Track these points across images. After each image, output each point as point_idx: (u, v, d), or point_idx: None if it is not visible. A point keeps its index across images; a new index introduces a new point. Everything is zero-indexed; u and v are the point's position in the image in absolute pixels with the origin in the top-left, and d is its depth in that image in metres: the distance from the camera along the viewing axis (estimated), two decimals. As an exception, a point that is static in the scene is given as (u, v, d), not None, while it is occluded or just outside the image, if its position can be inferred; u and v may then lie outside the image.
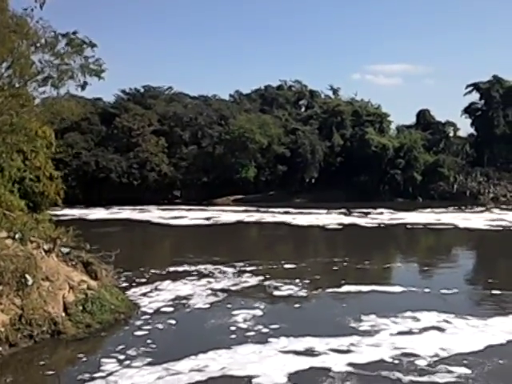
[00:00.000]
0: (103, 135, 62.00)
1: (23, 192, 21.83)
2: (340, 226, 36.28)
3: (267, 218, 42.47)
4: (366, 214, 44.11)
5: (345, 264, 22.72)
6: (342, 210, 45.88)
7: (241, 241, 34.54)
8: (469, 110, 69.21)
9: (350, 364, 11.36)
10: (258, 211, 47.00)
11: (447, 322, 14.07)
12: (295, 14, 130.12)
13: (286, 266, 22.15)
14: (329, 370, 11.12)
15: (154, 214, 46.52)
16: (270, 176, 62.30)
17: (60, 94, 17.12)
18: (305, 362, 11.48)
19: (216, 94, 74.16)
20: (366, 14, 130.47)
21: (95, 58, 16.86)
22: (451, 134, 70.74)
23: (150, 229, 37.98)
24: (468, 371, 11.05)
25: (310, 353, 11.98)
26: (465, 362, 11.50)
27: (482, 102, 68.32)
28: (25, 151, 21.27)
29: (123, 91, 69.49)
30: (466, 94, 69.43)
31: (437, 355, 11.88)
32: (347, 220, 39.71)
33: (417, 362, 11.51)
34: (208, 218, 42.02)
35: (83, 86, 17.07)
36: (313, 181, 63.27)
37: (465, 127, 72.00)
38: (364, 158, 60.79)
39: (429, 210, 47.74)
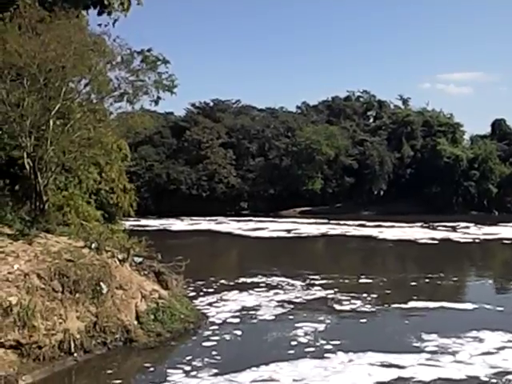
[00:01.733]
0: (174, 148, 63.77)
1: (99, 203, 22.75)
2: (434, 241, 34.90)
3: (352, 231, 41.60)
4: (454, 228, 42.57)
5: (426, 280, 21.93)
6: (421, 224, 44.46)
7: (320, 254, 34.29)
8: (549, 119, 65.82)
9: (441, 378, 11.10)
10: (328, 223, 46.47)
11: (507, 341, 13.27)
12: (362, 23, 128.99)
13: (362, 280, 21.72)
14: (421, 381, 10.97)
15: (232, 225, 47.11)
16: (336, 188, 61.71)
17: (135, 109, 17.79)
18: (392, 373, 11.30)
19: (283, 106, 74.80)
20: (434, 22, 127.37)
21: (168, 74, 17.42)
22: (529, 145, 67.45)
23: (231, 240, 38.53)
24: None
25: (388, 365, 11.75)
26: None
27: None
28: (101, 164, 22.19)
29: (193, 105, 71.33)
30: (545, 102, 66.19)
31: None
32: (439, 234, 38.24)
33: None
34: (288, 231, 41.85)
35: (156, 101, 17.67)
36: (381, 193, 62.10)
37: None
38: (436, 169, 59.02)
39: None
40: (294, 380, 10.94)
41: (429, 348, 12.87)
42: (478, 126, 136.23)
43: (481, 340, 13.45)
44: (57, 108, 15.79)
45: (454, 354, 12.49)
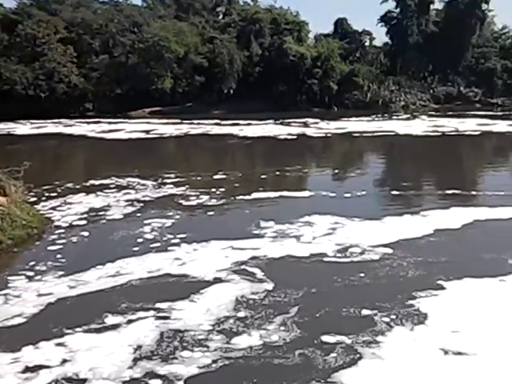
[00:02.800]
0: (5, 44, 57.25)
1: None
2: (292, 137, 36.29)
3: (212, 130, 41.49)
4: (305, 123, 44.75)
5: (277, 173, 23.00)
6: (272, 121, 45.98)
7: (179, 153, 33.89)
8: (385, 19, 69.81)
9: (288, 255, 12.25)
10: (182, 123, 45.98)
11: (339, 223, 14.65)
12: None
13: (216, 176, 22.13)
14: (272, 258, 12.04)
15: (84, 127, 44.07)
16: (187, 87, 60.83)
17: None
18: (245, 254, 12.15)
19: (127, -1, 69.82)
20: None
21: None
22: (367, 44, 71.59)
23: (84, 143, 36.22)
24: (393, 250, 12.43)
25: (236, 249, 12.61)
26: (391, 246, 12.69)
27: (398, 10, 68.96)
28: None
29: (24, -5, 63.74)
30: (382, 2, 69.83)
31: (357, 245, 12.84)
32: (295, 130, 39.79)
33: (351, 250, 12.47)
34: (147, 131, 40.43)
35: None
36: (231, 92, 62.57)
37: (380, 36, 73.15)
38: (282, 67, 60.50)
39: (354, 118, 48.98)
40: (149, 272, 11.20)
41: (268, 234, 13.85)
42: (323, 25, 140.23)
43: (311, 223, 14.70)
44: None
45: (295, 237, 13.57)
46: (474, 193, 19.62)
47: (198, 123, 45.98)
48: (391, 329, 8.74)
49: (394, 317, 9.15)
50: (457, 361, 7.77)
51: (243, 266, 11.56)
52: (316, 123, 45.30)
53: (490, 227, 14.72)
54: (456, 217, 15.44)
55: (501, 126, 41.78)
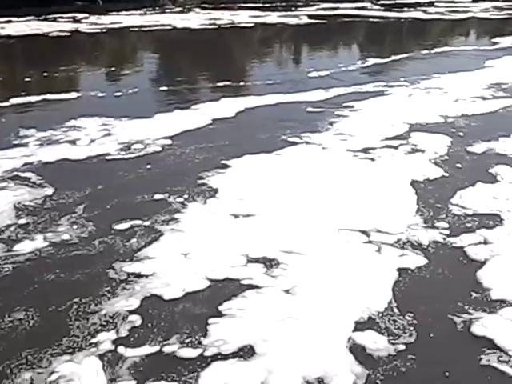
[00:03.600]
0: None
1: None
2: (66, 34, 32.90)
3: None
4: (74, 18, 41.00)
5: (44, 74, 20.74)
6: (33, 17, 40.74)
7: None
8: None
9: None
10: None
11: (109, 124, 14.16)
12: None
13: None
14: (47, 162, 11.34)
15: None
16: None
17: None
18: (12, 163, 11.21)
19: None
20: None
21: None
22: None
23: None
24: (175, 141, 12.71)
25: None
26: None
27: None
28: None
29: None
30: None
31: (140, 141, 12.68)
32: (66, 27, 35.92)
33: (133, 147, 12.24)
34: None
35: None
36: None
37: None
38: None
39: (125, 12, 45.97)
40: None
41: (32, 142, 12.73)
42: None
43: (78, 128, 13.89)
44: None
45: (67, 142, 12.74)
46: (243, 83, 20.56)
47: None
48: (186, 206, 9.24)
49: (186, 196, 9.63)
50: (245, 222, 8.77)
51: (15, 173, 10.64)
52: (86, 18, 41.88)
53: (261, 113, 15.87)
54: (229, 107, 16.21)
55: (272, 17, 43.67)
